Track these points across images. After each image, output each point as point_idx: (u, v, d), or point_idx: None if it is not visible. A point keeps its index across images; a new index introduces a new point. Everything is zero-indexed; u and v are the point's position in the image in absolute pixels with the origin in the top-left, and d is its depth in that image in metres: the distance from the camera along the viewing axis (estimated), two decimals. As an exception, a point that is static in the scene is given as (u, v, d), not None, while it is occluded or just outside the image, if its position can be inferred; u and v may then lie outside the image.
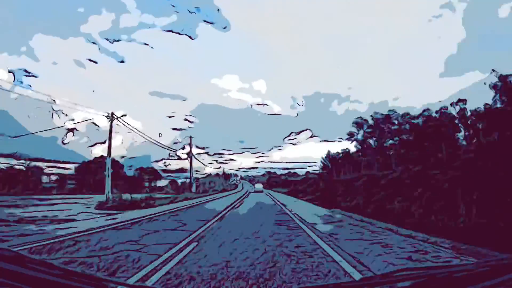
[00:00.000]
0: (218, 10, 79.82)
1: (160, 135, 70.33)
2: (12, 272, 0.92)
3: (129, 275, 3.94)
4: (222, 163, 78.68)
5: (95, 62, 68.12)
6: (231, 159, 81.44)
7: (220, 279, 3.75)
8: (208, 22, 76.25)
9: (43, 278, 0.94)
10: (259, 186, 46.73)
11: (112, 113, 20.94)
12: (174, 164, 66.41)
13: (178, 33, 74.55)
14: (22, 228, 8.35)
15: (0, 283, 0.87)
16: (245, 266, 4.40)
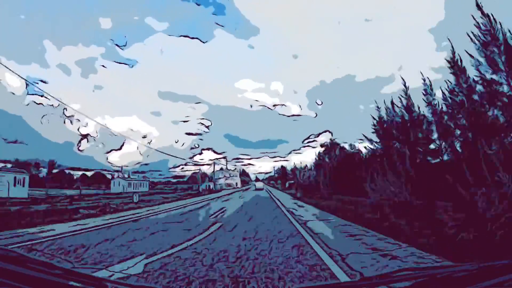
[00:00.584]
0: (225, 8, 78.08)
1: (177, 141, 68.74)
2: (12, 272, 0.92)
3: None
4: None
5: (105, 67, 67.03)
6: (250, 164, 77.24)
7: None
8: (219, 24, 73.71)
9: (43, 278, 0.94)
10: (259, 184, 48.07)
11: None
12: (192, 171, 65.08)
13: (188, 37, 73.79)
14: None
15: (0, 283, 0.87)
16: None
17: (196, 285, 3.54)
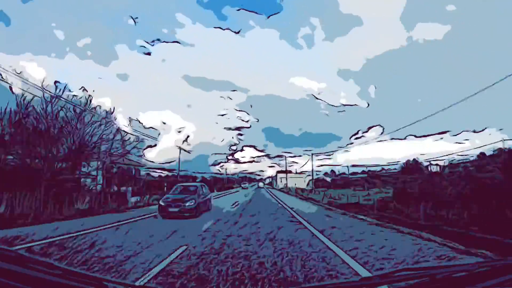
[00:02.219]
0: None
1: (216, 138, 66.36)
2: (12, 272, 0.92)
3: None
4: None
5: (133, 59, 65.50)
6: (294, 162, 68.43)
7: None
8: (250, 11, 69.76)
9: (43, 278, 0.94)
10: (261, 184, 51.87)
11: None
12: (232, 168, 62.38)
13: (220, 28, 71.01)
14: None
15: (0, 283, 0.87)
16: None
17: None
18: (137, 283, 3.37)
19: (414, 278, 1.08)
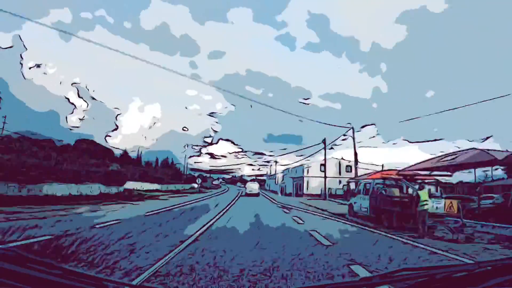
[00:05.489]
0: None
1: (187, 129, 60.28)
2: (12, 272, 0.92)
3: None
4: (263, 165, 62.89)
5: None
6: (275, 161, 60.39)
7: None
8: None
9: (43, 278, 0.94)
10: (253, 186, 34.96)
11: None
12: (205, 163, 57.59)
13: None
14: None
15: (0, 283, 0.87)
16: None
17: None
18: (137, 283, 3.36)
19: (414, 278, 1.08)
